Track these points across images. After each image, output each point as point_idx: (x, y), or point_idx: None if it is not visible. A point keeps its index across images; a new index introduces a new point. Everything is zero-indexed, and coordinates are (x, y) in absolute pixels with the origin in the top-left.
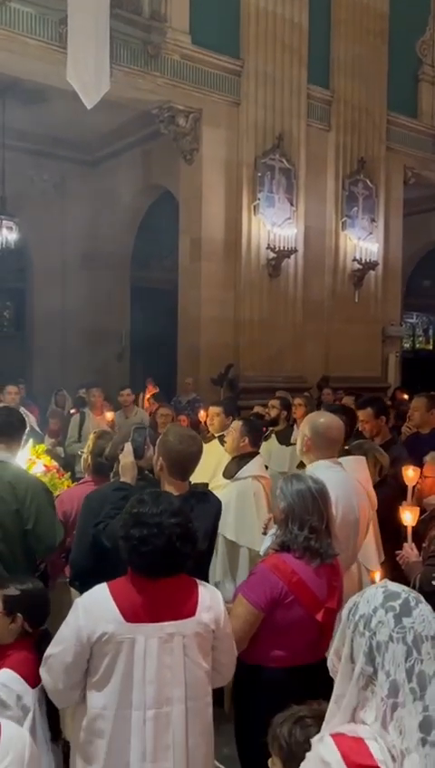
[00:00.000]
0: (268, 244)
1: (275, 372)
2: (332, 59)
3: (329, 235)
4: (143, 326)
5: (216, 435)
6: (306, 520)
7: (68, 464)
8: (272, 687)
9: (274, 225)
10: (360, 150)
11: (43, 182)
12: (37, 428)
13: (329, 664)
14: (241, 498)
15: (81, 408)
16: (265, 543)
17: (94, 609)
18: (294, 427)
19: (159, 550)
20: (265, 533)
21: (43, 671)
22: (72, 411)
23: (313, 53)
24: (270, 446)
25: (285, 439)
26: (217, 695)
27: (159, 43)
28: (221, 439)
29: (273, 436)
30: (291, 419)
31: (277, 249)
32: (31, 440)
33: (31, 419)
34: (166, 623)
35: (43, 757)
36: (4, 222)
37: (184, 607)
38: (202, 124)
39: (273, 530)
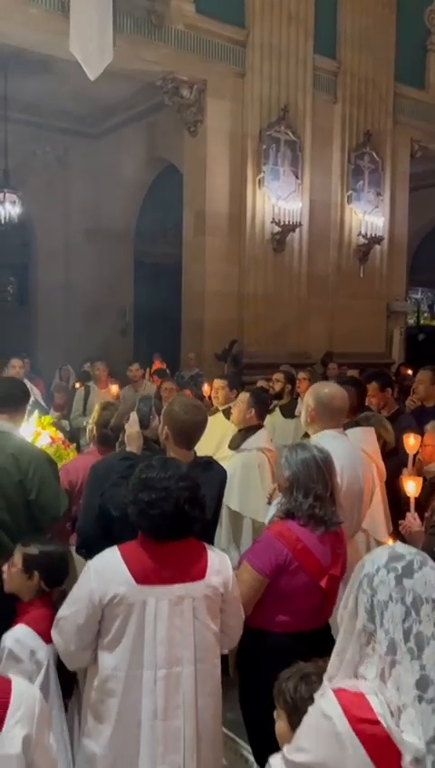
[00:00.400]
0: (273, 218)
1: (279, 348)
2: (338, 29)
3: (334, 208)
4: (147, 301)
5: (220, 408)
6: (311, 488)
7: (73, 437)
8: (276, 652)
9: (278, 199)
10: (366, 123)
11: (46, 155)
12: (42, 402)
13: (338, 617)
14: (246, 469)
15: (85, 382)
16: (269, 512)
17: (106, 572)
18: (299, 400)
19: (167, 513)
20: (269, 503)
21: (54, 633)
22: (77, 385)
23: (319, 24)
24: (274, 419)
25: (289, 413)
26: (222, 661)
27: (162, 13)
28: (225, 412)
29: (277, 409)
30: (295, 393)
31: (282, 223)
32: (36, 412)
33: (36, 393)
34: (176, 585)
35: (54, 712)
36: (7, 195)
37: (194, 570)
38: (206, 95)
39: (277, 499)
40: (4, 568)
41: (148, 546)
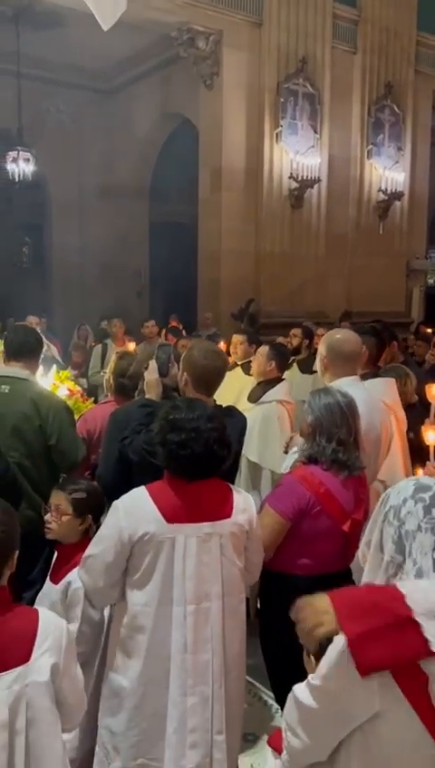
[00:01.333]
0: (291, 174)
1: (296, 307)
2: None
3: (354, 163)
4: (163, 261)
5: (239, 363)
6: (334, 433)
7: (91, 394)
8: (298, 595)
9: (297, 154)
10: (387, 74)
11: (60, 112)
12: (60, 360)
13: (358, 553)
14: (265, 421)
15: (102, 340)
16: (286, 461)
17: (135, 511)
18: (317, 355)
19: (197, 454)
20: (286, 452)
21: (81, 572)
22: (93, 344)
23: None
24: (292, 374)
25: (307, 368)
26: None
27: None
28: (244, 367)
29: (295, 365)
30: (312, 348)
31: (300, 179)
32: (54, 367)
33: (54, 351)
34: (204, 524)
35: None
36: (21, 153)
37: (221, 509)
38: (223, 46)
39: (294, 449)
40: (48, 517)
41: (175, 486)
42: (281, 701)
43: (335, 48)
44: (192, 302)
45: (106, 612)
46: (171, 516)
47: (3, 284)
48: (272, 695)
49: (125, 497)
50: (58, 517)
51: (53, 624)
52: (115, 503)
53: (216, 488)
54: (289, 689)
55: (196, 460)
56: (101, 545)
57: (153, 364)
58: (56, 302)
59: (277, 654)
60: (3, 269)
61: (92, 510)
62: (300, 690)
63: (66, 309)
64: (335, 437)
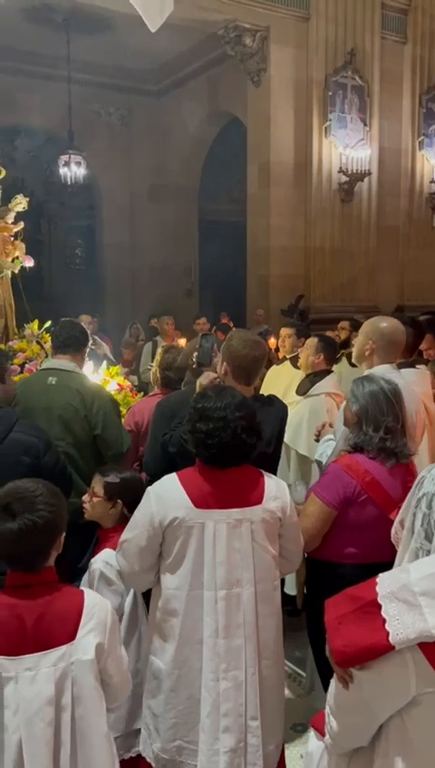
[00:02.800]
0: (340, 168)
1: (346, 302)
2: None
3: (405, 155)
4: (211, 260)
5: (288, 356)
6: (381, 421)
7: (142, 390)
8: (345, 584)
9: (346, 147)
10: None
11: (109, 115)
12: (112, 358)
13: (392, 531)
14: (314, 414)
15: (152, 337)
16: (318, 449)
17: (165, 497)
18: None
19: (225, 443)
20: (317, 440)
21: (118, 556)
22: (143, 341)
23: None
24: (341, 368)
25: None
26: (289, 601)
27: None
28: (293, 361)
29: (343, 358)
30: None
31: (350, 172)
32: (105, 362)
33: (105, 348)
34: (234, 510)
35: (142, 628)
36: (72, 157)
37: (251, 495)
38: (270, 43)
39: (326, 436)
40: (85, 497)
41: (205, 472)
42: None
43: (384, 39)
44: (242, 300)
45: (129, 599)
46: (200, 502)
47: (58, 286)
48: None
49: (156, 483)
50: (91, 499)
51: (97, 604)
52: (148, 489)
53: (247, 475)
54: None
55: (224, 449)
56: (135, 530)
57: (210, 375)
58: (108, 302)
59: (324, 643)
60: (58, 271)
61: (124, 496)
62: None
63: (118, 308)
64: (383, 426)
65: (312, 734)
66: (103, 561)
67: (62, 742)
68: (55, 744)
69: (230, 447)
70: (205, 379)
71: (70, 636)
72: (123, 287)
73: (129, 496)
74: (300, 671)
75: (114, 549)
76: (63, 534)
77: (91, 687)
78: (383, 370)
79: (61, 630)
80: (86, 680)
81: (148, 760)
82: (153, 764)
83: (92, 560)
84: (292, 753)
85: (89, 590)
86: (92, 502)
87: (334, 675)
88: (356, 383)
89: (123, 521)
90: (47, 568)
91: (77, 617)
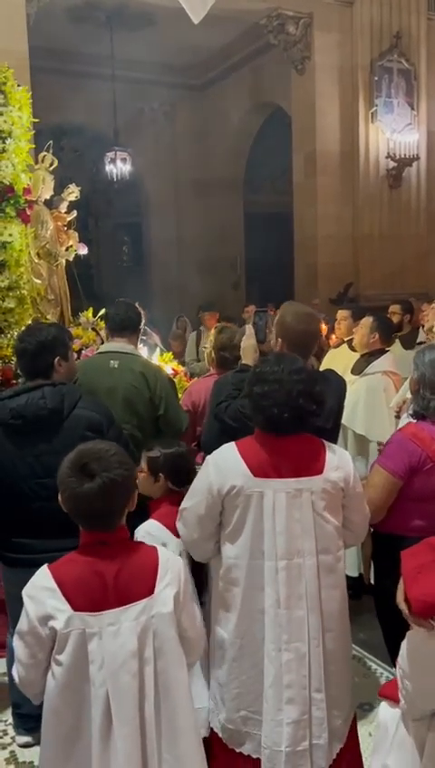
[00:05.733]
0: (388, 153)
1: (396, 289)
2: None
3: None
4: (258, 252)
5: (344, 339)
6: None
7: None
8: None
9: (393, 132)
10: None
11: (153, 111)
12: (163, 347)
13: None
14: (371, 393)
15: (198, 328)
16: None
17: (223, 465)
18: (419, 330)
19: (279, 404)
20: (398, 417)
21: (179, 524)
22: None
23: None
24: (394, 351)
25: (409, 344)
26: (354, 585)
27: None
28: (349, 344)
29: (397, 341)
30: (414, 322)
31: (398, 157)
32: (158, 349)
33: (155, 339)
34: (293, 479)
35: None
36: (118, 154)
37: (312, 465)
38: (313, 29)
39: (406, 413)
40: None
41: (264, 440)
42: None
43: (431, 20)
44: (289, 291)
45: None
46: (258, 471)
47: (107, 282)
48: (386, 667)
49: (215, 452)
50: (139, 474)
51: (170, 560)
52: (207, 458)
53: (307, 444)
54: None
55: (279, 411)
56: (194, 498)
57: (250, 329)
58: (156, 296)
59: (393, 620)
60: (106, 268)
61: (168, 470)
62: (411, 635)
63: (165, 302)
64: None
65: (383, 704)
66: (146, 530)
67: (146, 695)
68: (140, 697)
69: (286, 410)
70: (245, 339)
71: (149, 590)
72: (170, 281)
73: (171, 470)
74: (365, 652)
75: (159, 519)
76: (136, 492)
77: (172, 640)
78: None
79: (140, 585)
80: (168, 632)
81: (215, 730)
82: (220, 734)
83: (136, 529)
84: (361, 731)
85: (161, 548)
86: (140, 477)
87: (407, 636)
88: (418, 353)
89: (169, 493)
90: (121, 526)
91: (154, 571)
